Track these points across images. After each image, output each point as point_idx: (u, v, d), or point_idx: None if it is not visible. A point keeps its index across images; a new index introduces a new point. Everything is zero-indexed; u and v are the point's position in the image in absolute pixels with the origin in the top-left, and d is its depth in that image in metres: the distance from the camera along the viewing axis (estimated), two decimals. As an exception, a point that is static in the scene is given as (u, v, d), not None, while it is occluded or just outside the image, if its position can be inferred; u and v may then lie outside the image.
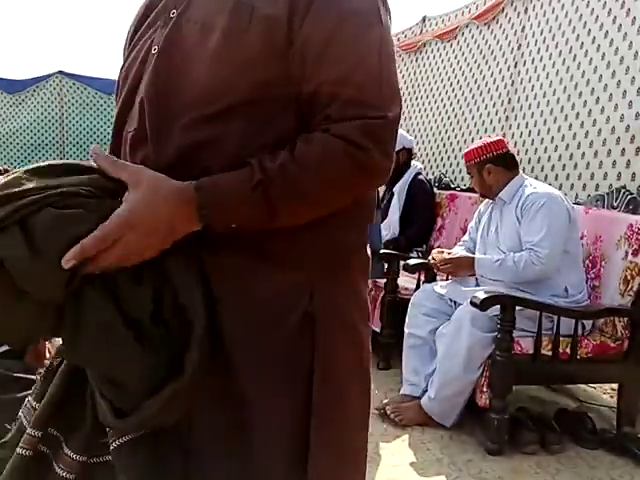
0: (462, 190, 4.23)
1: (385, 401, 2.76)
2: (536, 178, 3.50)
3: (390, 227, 4.10)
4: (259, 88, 0.90)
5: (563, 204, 2.60)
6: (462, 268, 2.77)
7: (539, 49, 3.82)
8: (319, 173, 0.89)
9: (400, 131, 4.43)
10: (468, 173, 2.96)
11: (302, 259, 0.95)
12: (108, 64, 17.14)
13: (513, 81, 4.04)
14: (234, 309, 0.93)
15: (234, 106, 0.90)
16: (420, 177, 4.17)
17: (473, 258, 2.73)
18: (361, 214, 1.02)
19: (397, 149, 4.09)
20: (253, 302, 0.94)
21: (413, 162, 4.26)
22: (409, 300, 2.97)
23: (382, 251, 3.41)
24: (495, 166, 2.77)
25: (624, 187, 2.92)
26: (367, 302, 1.07)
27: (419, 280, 3.26)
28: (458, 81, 4.65)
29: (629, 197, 2.86)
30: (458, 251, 2.93)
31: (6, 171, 6.94)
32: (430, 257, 2.95)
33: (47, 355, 4.04)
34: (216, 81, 0.91)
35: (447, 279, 3.05)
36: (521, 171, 2.87)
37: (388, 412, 2.69)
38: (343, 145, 0.89)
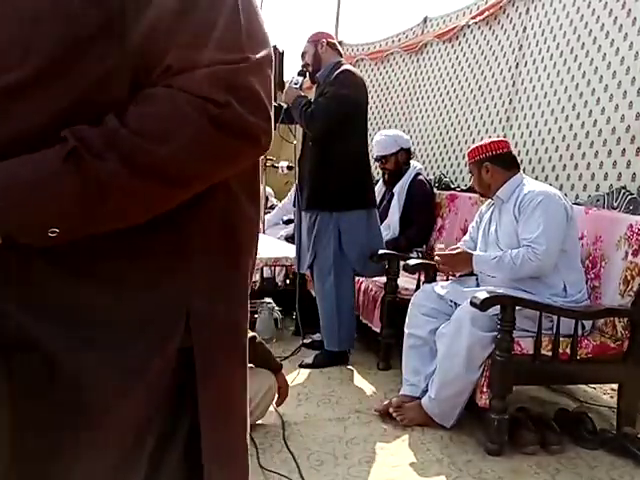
0: (462, 190, 4.22)
1: (386, 402, 2.76)
2: (536, 178, 3.50)
3: (390, 227, 4.10)
4: (75, 44, 0.67)
5: (560, 202, 2.61)
6: (460, 264, 2.76)
7: (540, 50, 3.82)
8: (163, 138, 0.67)
9: (396, 132, 4.44)
10: (470, 172, 2.97)
11: (171, 271, 0.75)
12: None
13: (514, 81, 4.04)
14: (74, 354, 0.72)
15: (44, 71, 0.66)
16: (420, 177, 4.17)
17: (471, 254, 2.73)
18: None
19: (394, 150, 4.11)
20: (98, 344, 0.73)
21: (413, 162, 4.26)
22: (409, 300, 2.97)
23: (382, 251, 3.41)
24: (493, 165, 2.78)
25: (624, 187, 2.92)
26: (247, 293, 0.86)
27: (419, 280, 3.26)
28: (459, 82, 4.65)
29: (629, 197, 2.86)
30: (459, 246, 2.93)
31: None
32: (436, 257, 2.93)
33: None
34: (12, 38, 0.67)
35: (447, 279, 3.05)
36: (521, 171, 2.88)
37: (390, 412, 2.69)
38: (191, 100, 0.68)
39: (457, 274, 2.95)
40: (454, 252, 2.78)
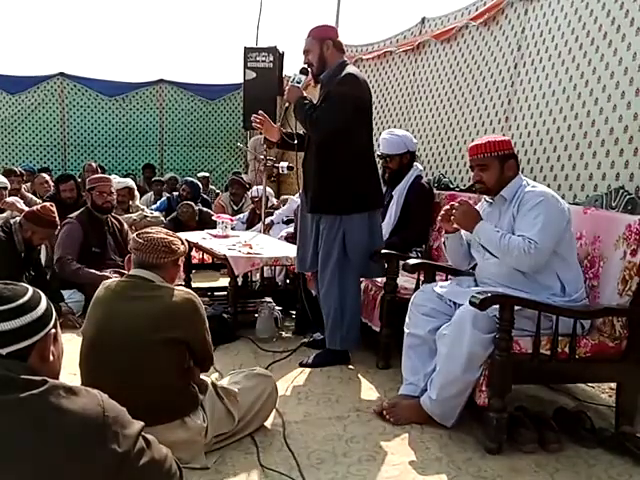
0: (462, 190, 4.23)
1: (382, 403, 2.77)
2: (535, 178, 3.52)
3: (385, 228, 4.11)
4: None
5: (559, 203, 2.61)
6: (468, 218, 2.71)
7: (539, 50, 3.84)
8: None
9: (405, 133, 4.36)
10: (473, 166, 2.78)
11: None
12: (108, 66, 17.16)
13: (513, 82, 4.06)
14: None
15: None
16: (421, 181, 4.14)
17: (481, 218, 2.70)
18: None
19: (401, 152, 4.07)
20: None
21: (414, 164, 4.25)
22: (408, 299, 2.98)
23: (382, 251, 3.42)
24: (513, 162, 2.74)
25: (622, 187, 2.93)
26: None
27: (419, 280, 3.27)
28: (458, 82, 4.67)
29: (627, 197, 2.88)
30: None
31: (11, 171, 6.96)
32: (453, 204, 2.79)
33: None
34: None
35: (447, 279, 3.05)
36: (520, 172, 2.87)
37: (384, 414, 2.71)
38: None
39: (453, 228, 2.86)
40: (467, 203, 2.73)
